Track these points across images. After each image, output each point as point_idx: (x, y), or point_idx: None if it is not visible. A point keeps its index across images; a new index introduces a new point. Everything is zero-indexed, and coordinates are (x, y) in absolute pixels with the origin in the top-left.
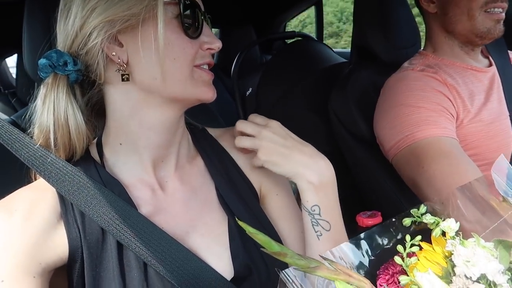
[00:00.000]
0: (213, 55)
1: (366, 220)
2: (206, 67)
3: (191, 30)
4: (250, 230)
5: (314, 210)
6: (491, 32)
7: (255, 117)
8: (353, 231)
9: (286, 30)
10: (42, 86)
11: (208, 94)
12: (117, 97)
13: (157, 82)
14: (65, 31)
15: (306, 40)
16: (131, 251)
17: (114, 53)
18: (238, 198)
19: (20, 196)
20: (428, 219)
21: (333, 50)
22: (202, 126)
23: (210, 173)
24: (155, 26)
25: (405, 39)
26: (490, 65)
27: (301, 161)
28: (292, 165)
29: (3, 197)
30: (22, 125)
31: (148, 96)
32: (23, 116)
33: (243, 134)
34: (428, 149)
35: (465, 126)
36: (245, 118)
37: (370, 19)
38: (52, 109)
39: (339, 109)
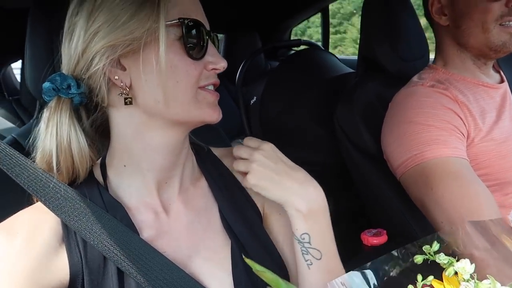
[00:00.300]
0: (218, 74)
1: (371, 238)
2: (211, 87)
3: (195, 51)
4: (257, 268)
5: (304, 239)
6: (506, 45)
7: (248, 140)
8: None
9: (291, 35)
10: (45, 109)
11: (212, 116)
12: (121, 120)
13: (160, 105)
14: (69, 54)
15: (312, 48)
16: (132, 279)
17: (116, 77)
18: (242, 220)
19: (22, 218)
20: (442, 259)
21: (338, 58)
22: (207, 146)
23: (214, 195)
24: (157, 50)
25: (413, 51)
26: (502, 81)
27: (290, 188)
28: (281, 192)
29: (4, 219)
30: (24, 145)
31: (151, 119)
32: (27, 140)
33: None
34: (437, 169)
35: (476, 145)
36: (249, 127)
37: (377, 30)
38: (55, 133)
39: (345, 121)
